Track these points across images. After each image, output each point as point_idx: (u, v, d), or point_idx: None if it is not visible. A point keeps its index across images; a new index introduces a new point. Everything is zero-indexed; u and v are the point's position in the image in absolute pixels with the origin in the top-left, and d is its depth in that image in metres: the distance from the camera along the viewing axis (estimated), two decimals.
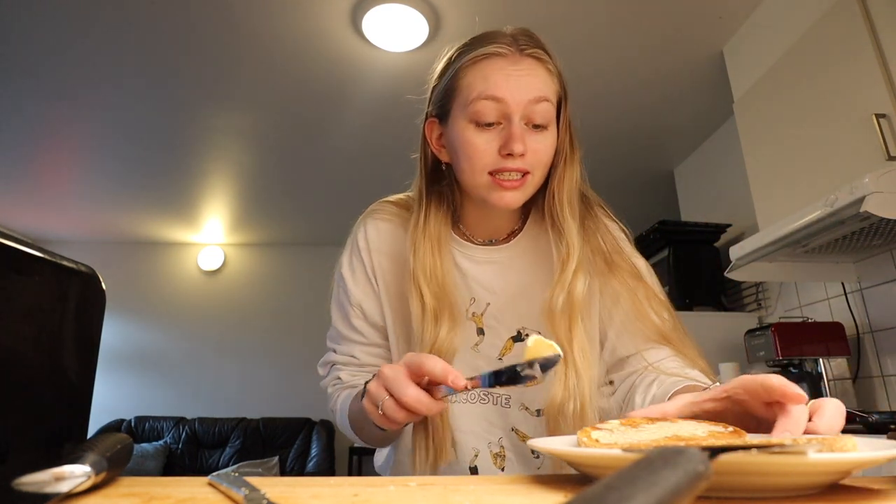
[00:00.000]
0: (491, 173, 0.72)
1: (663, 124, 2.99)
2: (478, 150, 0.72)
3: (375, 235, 0.86)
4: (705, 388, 0.69)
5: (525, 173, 0.73)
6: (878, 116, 1.51)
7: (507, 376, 0.52)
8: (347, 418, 0.77)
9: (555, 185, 0.78)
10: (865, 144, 1.55)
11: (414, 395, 0.55)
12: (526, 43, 0.74)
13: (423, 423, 0.73)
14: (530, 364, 0.52)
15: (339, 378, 0.84)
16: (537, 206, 0.85)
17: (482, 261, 0.83)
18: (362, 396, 0.62)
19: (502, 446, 0.80)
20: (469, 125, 0.73)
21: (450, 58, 0.79)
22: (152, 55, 2.44)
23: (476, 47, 0.74)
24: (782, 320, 2.17)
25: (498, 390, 0.80)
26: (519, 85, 0.71)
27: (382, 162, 3.42)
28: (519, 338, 0.81)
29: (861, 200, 1.38)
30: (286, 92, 2.73)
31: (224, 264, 5.05)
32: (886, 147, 1.48)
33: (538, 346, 0.53)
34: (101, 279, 0.47)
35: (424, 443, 0.73)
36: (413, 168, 0.87)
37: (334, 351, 0.87)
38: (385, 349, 0.85)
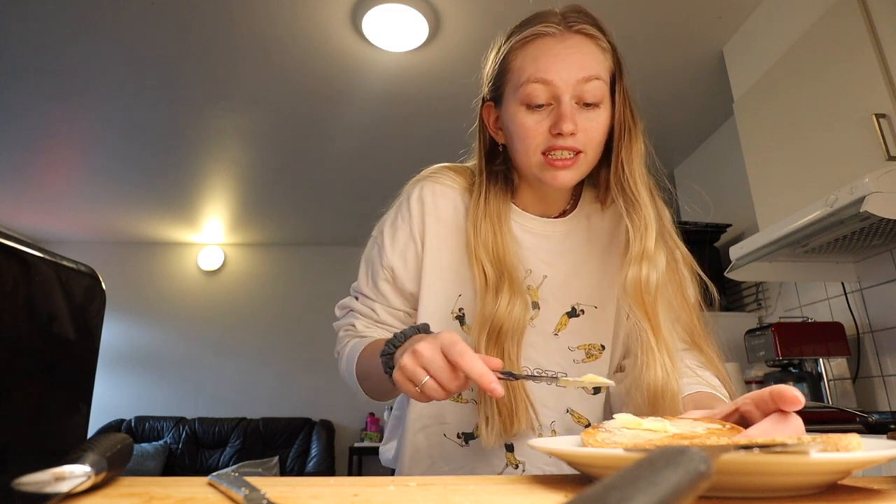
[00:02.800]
0: (543, 153, 0.73)
1: (663, 124, 2.99)
2: (529, 130, 0.73)
3: (432, 200, 0.83)
4: (716, 394, 0.69)
5: (577, 152, 0.72)
6: (878, 116, 1.51)
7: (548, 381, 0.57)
8: (354, 368, 0.77)
9: (623, 157, 0.77)
10: (865, 144, 1.55)
11: (458, 385, 0.55)
12: (575, 19, 0.74)
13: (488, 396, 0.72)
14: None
15: (353, 325, 0.84)
16: (592, 185, 0.86)
17: (539, 233, 0.83)
18: (386, 362, 0.63)
19: (554, 430, 0.79)
20: (520, 108, 0.73)
21: (500, 41, 0.80)
22: (152, 55, 2.44)
23: (524, 28, 0.75)
24: (782, 320, 2.17)
25: (550, 368, 0.81)
26: (567, 64, 0.71)
27: (382, 162, 3.43)
28: (574, 313, 0.81)
29: (861, 200, 1.38)
30: (286, 92, 2.73)
31: (224, 264, 5.05)
32: (886, 147, 1.48)
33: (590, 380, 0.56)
34: (101, 279, 0.46)
35: (493, 411, 0.72)
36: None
37: (356, 298, 0.87)
38: (405, 314, 0.85)
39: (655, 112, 2.87)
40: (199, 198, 4.11)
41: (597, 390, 0.81)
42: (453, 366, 0.55)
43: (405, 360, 0.56)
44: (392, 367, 0.61)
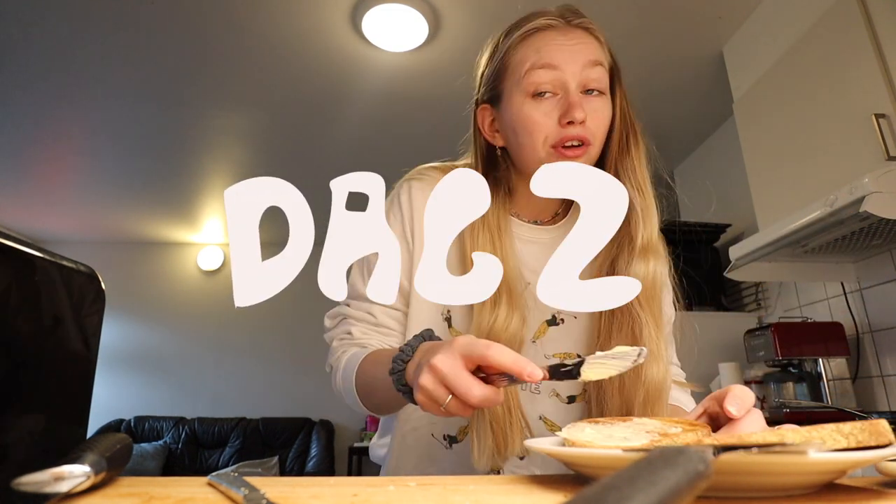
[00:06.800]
0: (553, 146, 0.71)
1: (663, 124, 2.98)
2: (537, 123, 0.71)
3: (420, 198, 0.80)
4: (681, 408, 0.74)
5: (587, 144, 0.71)
6: (878, 116, 1.51)
7: (572, 370, 0.48)
8: (354, 380, 0.72)
9: (632, 154, 0.77)
10: (865, 144, 1.55)
11: (481, 394, 0.48)
12: (573, 16, 0.75)
13: (482, 412, 0.67)
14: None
15: (350, 333, 0.79)
16: None
17: (527, 239, 0.81)
18: (398, 380, 0.57)
19: (527, 435, 0.77)
20: (526, 99, 0.72)
21: (497, 40, 0.78)
22: (152, 55, 2.44)
23: (523, 24, 0.74)
24: (782, 320, 2.17)
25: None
26: (572, 53, 0.71)
27: (382, 161, 3.42)
28: (554, 321, 0.78)
29: (861, 200, 1.38)
30: (286, 92, 2.73)
31: (224, 264, 5.05)
32: (886, 147, 1.48)
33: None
34: (101, 279, 0.46)
35: (487, 433, 0.67)
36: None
37: (348, 305, 0.82)
38: (403, 315, 0.80)
39: (655, 112, 2.87)
40: (199, 198, 4.11)
41: (571, 399, 0.78)
42: (473, 364, 0.49)
43: (425, 379, 0.50)
44: (404, 385, 0.56)
